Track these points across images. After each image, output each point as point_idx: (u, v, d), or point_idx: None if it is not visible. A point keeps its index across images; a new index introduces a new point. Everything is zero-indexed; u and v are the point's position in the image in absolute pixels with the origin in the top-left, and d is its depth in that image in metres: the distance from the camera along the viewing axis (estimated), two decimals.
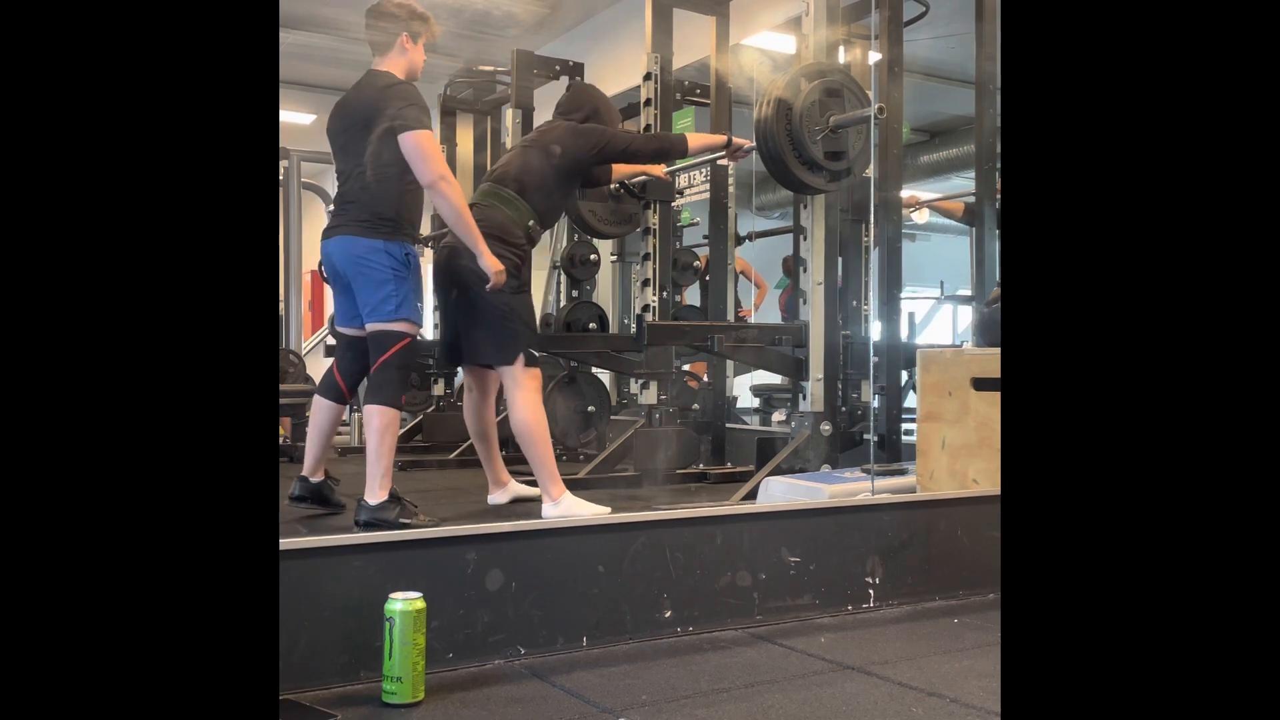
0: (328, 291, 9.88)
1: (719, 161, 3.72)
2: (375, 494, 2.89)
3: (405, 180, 2.93)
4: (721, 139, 3.41)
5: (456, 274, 3.07)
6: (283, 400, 5.01)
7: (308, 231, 7.93)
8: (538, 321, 6.25)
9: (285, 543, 1.66)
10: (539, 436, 3.04)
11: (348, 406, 3.32)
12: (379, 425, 2.90)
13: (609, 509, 3.02)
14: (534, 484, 3.25)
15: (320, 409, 3.16)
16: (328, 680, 1.74)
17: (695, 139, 3.38)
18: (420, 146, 2.87)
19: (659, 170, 3.91)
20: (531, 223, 3.17)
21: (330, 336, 7.88)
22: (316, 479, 3.19)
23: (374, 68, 3.06)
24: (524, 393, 3.05)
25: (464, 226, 2.92)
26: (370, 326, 2.96)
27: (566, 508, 3.00)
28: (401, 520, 2.85)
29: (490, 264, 2.94)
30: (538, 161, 3.20)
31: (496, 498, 3.45)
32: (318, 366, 7.64)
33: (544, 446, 3.06)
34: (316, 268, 8.51)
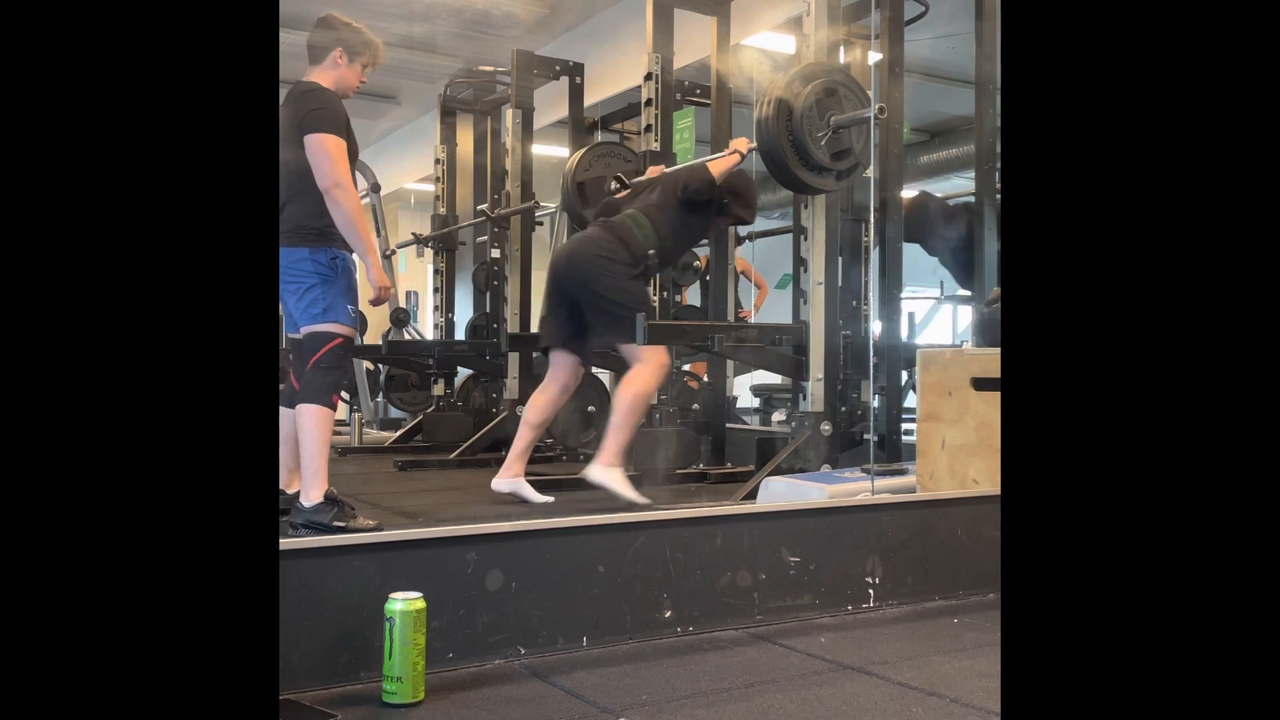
0: None
1: None
2: (310, 495, 2.83)
3: None
4: (737, 158, 3.47)
5: (578, 264, 3.35)
6: None
7: None
8: (538, 322, 6.29)
9: (285, 543, 1.67)
10: (634, 412, 3.28)
11: (340, 407, 3.32)
12: (310, 424, 2.86)
13: (648, 501, 3.22)
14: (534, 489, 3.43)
15: (287, 419, 3.12)
16: (328, 680, 1.75)
17: (717, 167, 3.46)
18: (323, 149, 2.83)
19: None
20: (651, 252, 3.40)
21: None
22: (294, 490, 3.12)
23: (302, 77, 3.03)
24: (649, 368, 3.27)
25: (355, 235, 2.92)
26: (303, 329, 2.96)
27: (611, 479, 3.25)
28: (335, 524, 2.78)
29: (379, 278, 2.99)
30: (657, 202, 3.49)
31: (499, 485, 3.50)
32: None
33: (635, 419, 3.30)
34: None
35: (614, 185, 4.09)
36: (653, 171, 3.93)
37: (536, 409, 3.51)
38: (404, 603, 1.69)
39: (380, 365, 6.98)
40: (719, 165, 3.45)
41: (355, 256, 3.05)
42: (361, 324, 7.96)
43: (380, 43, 3.10)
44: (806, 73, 3.20)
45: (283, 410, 3.14)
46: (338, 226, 2.91)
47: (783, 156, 3.16)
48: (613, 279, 3.28)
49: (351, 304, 3.00)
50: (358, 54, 3.02)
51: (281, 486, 3.15)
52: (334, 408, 2.96)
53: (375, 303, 3.07)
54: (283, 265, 2.93)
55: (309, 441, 2.88)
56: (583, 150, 4.48)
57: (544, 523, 2.07)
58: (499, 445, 5.18)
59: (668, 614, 2.09)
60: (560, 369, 3.51)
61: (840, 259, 3.62)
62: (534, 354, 5.26)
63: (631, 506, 3.14)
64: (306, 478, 2.87)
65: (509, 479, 3.48)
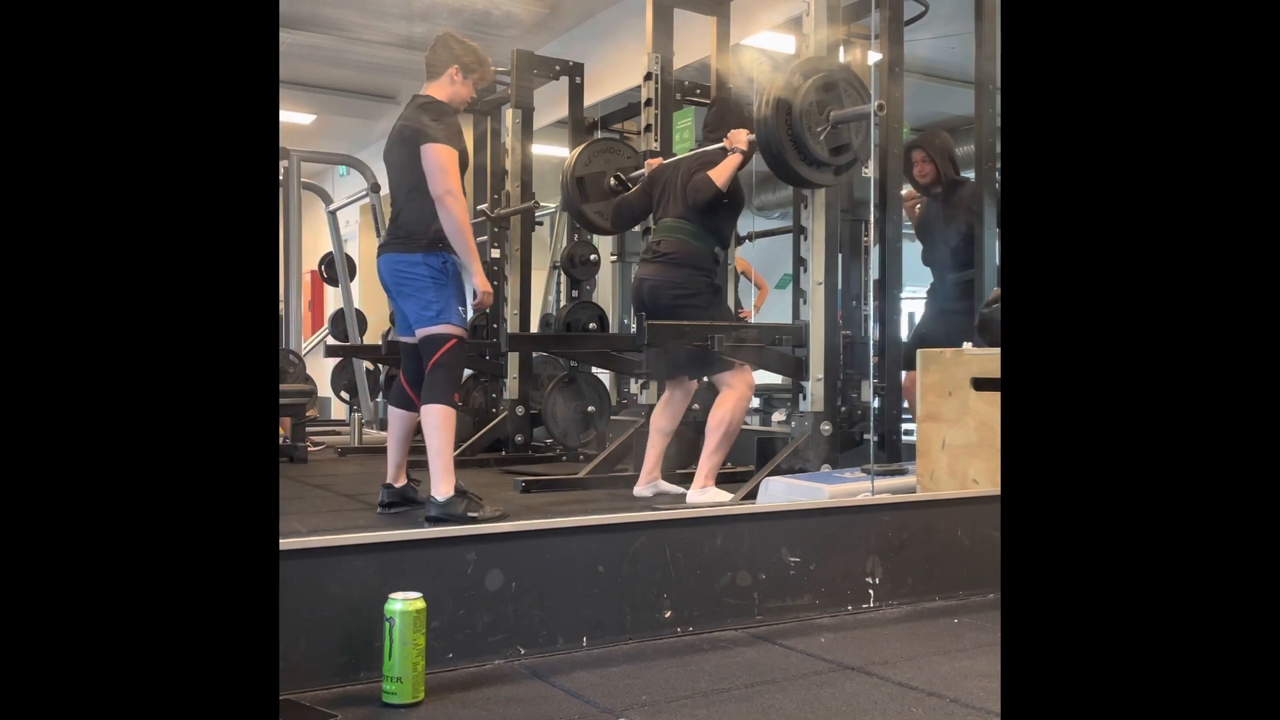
0: (328, 291, 9.90)
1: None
2: (441, 490, 3.01)
3: None
4: (738, 159, 3.49)
5: (660, 302, 3.48)
6: (283, 400, 5.01)
7: (308, 231, 7.92)
8: (538, 322, 6.29)
9: (285, 543, 1.66)
10: (730, 434, 3.47)
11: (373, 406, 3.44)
12: (435, 423, 3.05)
13: (729, 496, 3.39)
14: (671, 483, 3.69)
15: (395, 419, 3.37)
16: (328, 680, 1.74)
17: (720, 176, 3.47)
18: (437, 159, 3.02)
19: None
20: (716, 249, 3.58)
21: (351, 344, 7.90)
22: (400, 484, 3.37)
23: (419, 91, 3.24)
24: (736, 396, 3.48)
25: (462, 242, 3.10)
26: (419, 332, 3.15)
27: (710, 496, 3.43)
28: (469, 514, 2.97)
29: (481, 284, 3.17)
30: (685, 201, 3.57)
31: (642, 491, 3.69)
32: (318, 366, 7.65)
33: (726, 446, 3.49)
34: (316, 267, 8.55)
35: (613, 182, 4.10)
36: (652, 163, 3.92)
37: (664, 420, 3.70)
38: (404, 603, 1.68)
39: (380, 365, 6.98)
40: (722, 174, 3.46)
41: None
42: (361, 324, 8.00)
43: (490, 62, 3.35)
44: (806, 68, 3.19)
45: (393, 411, 3.38)
46: (446, 232, 3.10)
47: (781, 151, 3.15)
48: (699, 313, 3.43)
49: (461, 305, 3.18)
50: (471, 71, 3.26)
51: (389, 480, 3.36)
52: (455, 405, 3.15)
53: (477, 308, 3.26)
54: (398, 270, 3.15)
55: (435, 439, 3.05)
56: (582, 146, 4.47)
57: (544, 523, 2.07)
58: (499, 445, 5.19)
59: (668, 614, 2.09)
60: (677, 387, 3.72)
61: (840, 259, 3.62)
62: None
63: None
64: (437, 473, 3.04)
65: (649, 485, 3.68)
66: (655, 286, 3.52)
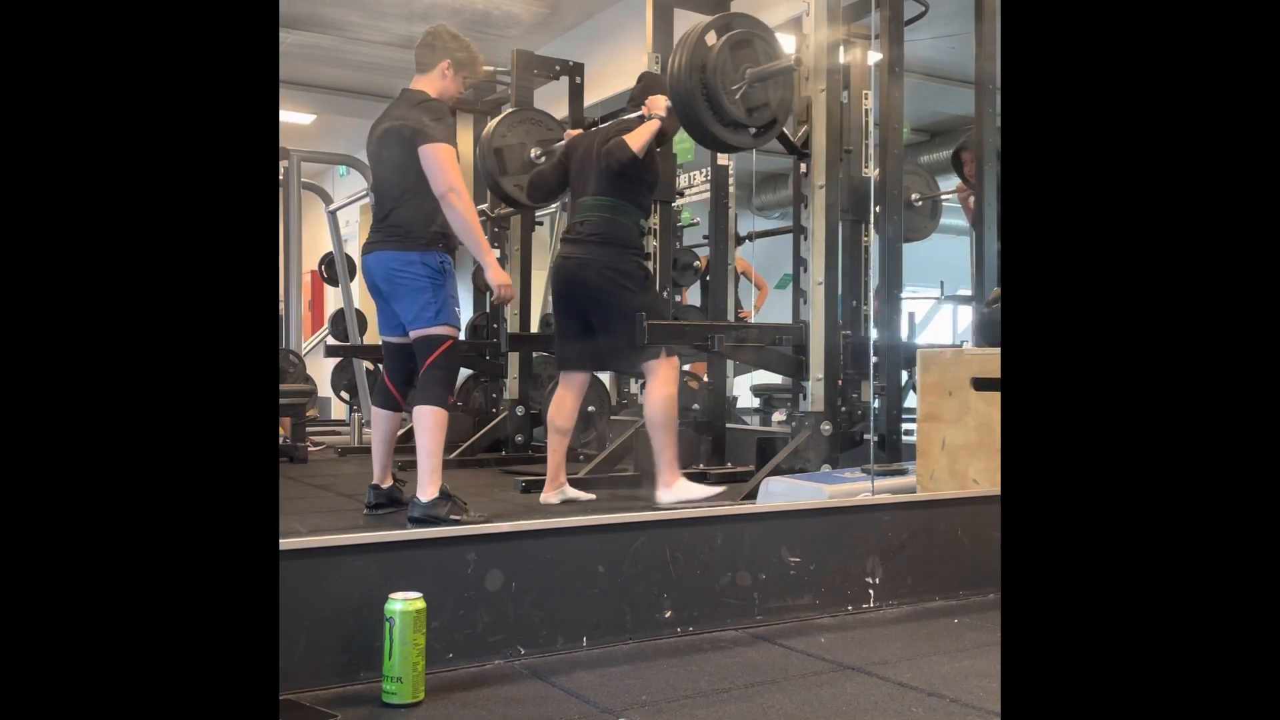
0: (328, 291, 9.90)
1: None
2: (426, 491, 2.98)
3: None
4: (656, 125, 3.35)
5: (588, 282, 3.33)
6: (283, 400, 5.02)
7: (308, 231, 7.93)
8: (538, 322, 6.29)
9: (285, 543, 1.66)
10: (669, 426, 3.31)
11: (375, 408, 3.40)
12: (428, 425, 3.01)
13: (719, 489, 3.28)
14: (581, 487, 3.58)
15: (379, 419, 3.31)
16: (328, 680, 1.74)
17: (637, 140, 3.31)
18: (437, 157, 2.98)
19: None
20: (641, 221, 3.46)
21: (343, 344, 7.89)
22: (386, 485, 3.32)
23: (409, 86, 3.18)
24: (665, 384, 3.32)
25: (472, 238, 3.04)
26: (414, 333, 3.10)
27: (680, 492, 3.27)
28: (452, 516, 2.93)
29: (497, 278, 3.10)
30: (604, 174, 3.41)
31: (550, 498, 3.53)
32: (318, 366, 7.65)
33: (671, 435, 3.31)
34: (316, 267, 8.56)
35: (533, 154, 4.09)
36: (571, 134, 3.89)
37: (560, 417, 3.55)
38: (404, 603, 1.68)
39: (380, 365, 6.98)
40: (639, 139, 3.30)
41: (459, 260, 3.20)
42: (361, 324, 8.01)
43: (482, 58, 3.28)
44: (720, 23, 3.12)
45: (377, 411, 3.32)
46: (454, 229, 3.06)
47: (696, 111, 3.06)
48: (631, 297, 3.28)
49: (457, 305, 3.14)
50: (463, 67, 3.19)
51: (375, 481, 3.31)
52: (449, 407, 3.10)
53: (499, 302, 3.23)
54: (393, 268, 3.09)
55: (425, 441, 3.02)
56: (500, 116, 4.39)
57: (544, 523, 2.07)
58: (499, 445, 5.19)
59: (668, 614, 2.09)
60: (576, 379, 3.57)
61: (840, 259, 3.61)
62: (535, 354, 5.27)
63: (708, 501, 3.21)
64: (424, 474, 3.00)
65: (555, 491, 3.52)
66: (584, 263, 3.34)
